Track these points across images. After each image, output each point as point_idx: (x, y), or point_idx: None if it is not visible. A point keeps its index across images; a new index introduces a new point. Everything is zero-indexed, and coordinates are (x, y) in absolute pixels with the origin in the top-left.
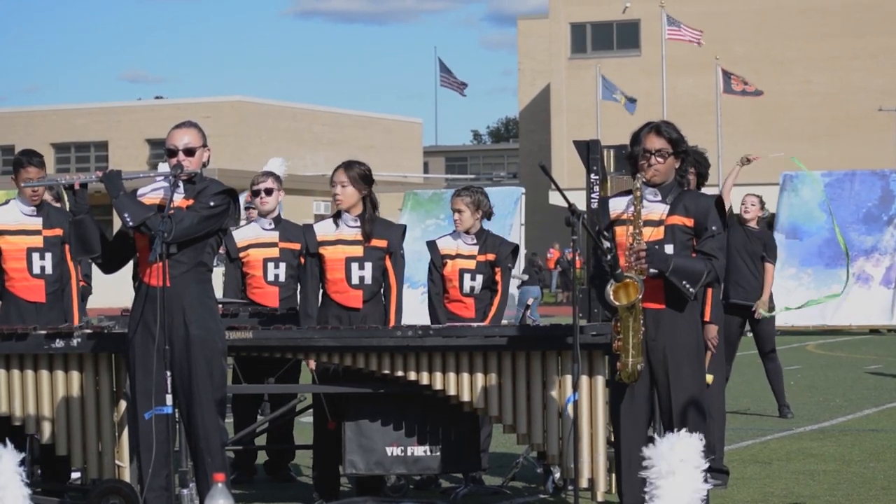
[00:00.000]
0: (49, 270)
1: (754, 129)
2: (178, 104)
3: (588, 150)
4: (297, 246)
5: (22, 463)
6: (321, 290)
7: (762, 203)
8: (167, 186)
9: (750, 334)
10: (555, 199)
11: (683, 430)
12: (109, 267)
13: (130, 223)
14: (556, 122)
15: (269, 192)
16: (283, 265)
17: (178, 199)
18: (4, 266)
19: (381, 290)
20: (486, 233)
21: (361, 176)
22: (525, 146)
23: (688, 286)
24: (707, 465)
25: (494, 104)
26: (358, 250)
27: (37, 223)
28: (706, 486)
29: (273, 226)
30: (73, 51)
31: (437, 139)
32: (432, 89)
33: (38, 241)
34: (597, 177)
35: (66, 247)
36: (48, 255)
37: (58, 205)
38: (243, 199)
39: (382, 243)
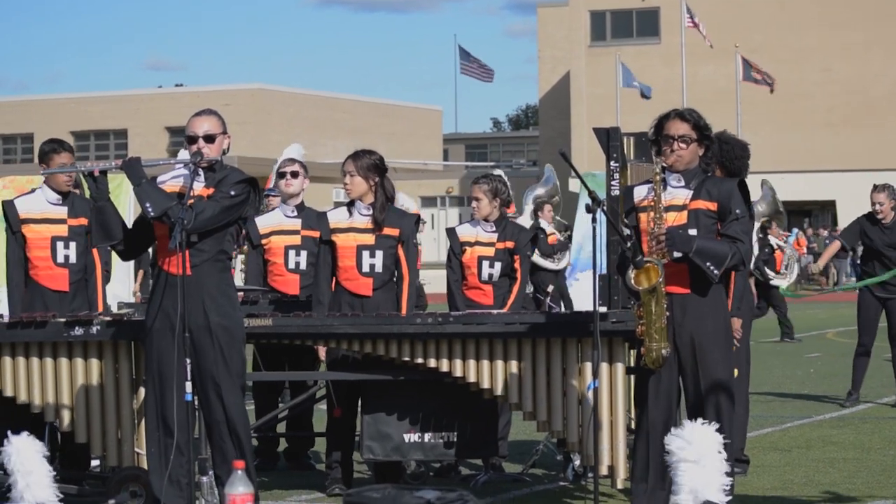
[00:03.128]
0: (73, 260)
1: (773, 117)
2: (197, 92)
3: (608, 138)
4: (318, 234)
5: (45, 451)
6: (334, 278)
7: (893, 194)
8: (187, 174)
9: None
10: (574, 186)
11: (709, 418)
12: (129, 254)
13: (152, 213)
14: (576, 109)
15: (294, 174)
16: (304, 253)
17: (199, 187)
18: (29, 254)
19: (394, 279)
20: (506, 220)
21: (370, 166)
22: (545, 134)
23: (712, 267)
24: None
25: (514, 92)
26: (369, 238)
27: (62, 212)
28: (729, 479)
29: (296, 213)
30: (96, 39)
31: (456, 127)
32: (452, 77)
33: (62, 229)
34: (617, 164)
35: (91, 237)
36: (72, 245)
37: (77, 191)
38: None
39: (394, 232)
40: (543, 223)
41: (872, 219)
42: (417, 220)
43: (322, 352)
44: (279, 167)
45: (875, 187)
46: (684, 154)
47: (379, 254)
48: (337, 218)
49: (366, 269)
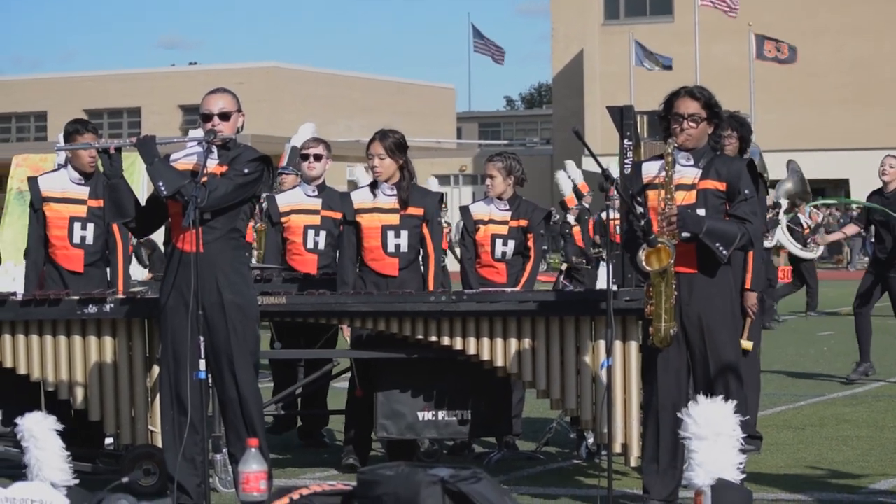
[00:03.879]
0: (89, 241)
1: (787, 95)
2: (211, 70)
3: (622, 116)
4: (338, 215)
5: (58, 428)
6: (359, 259)
7: None
8: (200, 152)
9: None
10: (588, 164)
11: (719, 396)
12: (142, 231)
13: (165, 192)
14: (590, 88)
15: (318, 157)
16: (323, 233)
17: (212, 164)
18: (48, 233)
19: (420, 258)
20: (519, 198)
21: (397, 145)
22: (558, 112)
23: (721, 248)
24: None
25: (527, 70)
26: (394, 218)
27: (83, 192)
28: (742, 457)
29: (316, 193)
30: (110, 17)
31: (470, 105)
32: (466, 55)
33: (81, 210)
34: (630, 143)
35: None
36: (90, 226)
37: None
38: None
39: (419, 211)
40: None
41: (880, 192)
42: (441, 198)
43: (347, 331)
44: (302, 148)
45: (889, 155)
46: (694, 132)
47: (404, 234)
48: (361, 198)
49: (391, 249)
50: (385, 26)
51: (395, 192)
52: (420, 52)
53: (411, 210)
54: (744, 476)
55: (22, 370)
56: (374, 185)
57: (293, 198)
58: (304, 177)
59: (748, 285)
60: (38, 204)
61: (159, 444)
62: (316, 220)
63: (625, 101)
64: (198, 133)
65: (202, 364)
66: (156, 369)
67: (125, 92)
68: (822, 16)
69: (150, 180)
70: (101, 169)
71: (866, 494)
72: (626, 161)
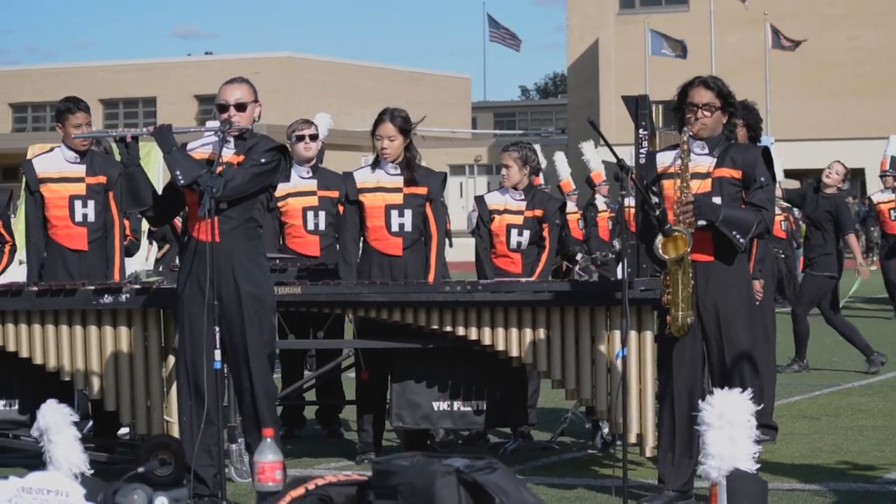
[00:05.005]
0: (91, 218)
1: (802, 85)
2: (226, 60)
3: (637, 106)
4: (335, 194)
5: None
6: (361, 238)
7: (846, 177)
8: (216, 142)
9: None
10: (603, 154)
11: (735, 385)
12: (159, 220)
13: (182, 181)
14: (605, 77)
15: (313, 137)
16: (322, 213)
17: (229, 154)
18: (47, 214)
19: (422, 238)
20: (535, 188)
21: (404, 123)
22: (573, 102)
23: (738, 236)
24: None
25: (542, 60)
26: (398, 198)
27: (80, 171)
28: (757, 447)
29: (311, 174)
30: (125, 6)
31: (485, 95)
32: (481, 45)
33: (80, 188)
34: (645, 132)
35: (111, 194)
36: (91, 203)
37: (95, 149)
38: None
39: (422, 190)
40: None
41: (817, 189)
42: (444, 178)
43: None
44: (295, 130)
45: (838, 161)
46: (708, 122)
47: (408, 213)
48: (363, 178)
49: (395, 228)
50: (401, 16)
51: (398, 171)
52: (435, 42)
53: (415, 189)
54: (759, 466)
55: (38, 360)
56: (375, 165)
57: (288, 181)
58: (299, 158)
59: (751, 271)
60: (34, 186)
61: (175, 433)
62: (314, 201)
63: (640, 90)
64: (214, 124)
65: (218, 354)
66: (171, 359)
67: (140, 82)
68: (838, 5)
69: (167, 169)
70: (119, 157)
71: (882, 484)
72: (642, 150)
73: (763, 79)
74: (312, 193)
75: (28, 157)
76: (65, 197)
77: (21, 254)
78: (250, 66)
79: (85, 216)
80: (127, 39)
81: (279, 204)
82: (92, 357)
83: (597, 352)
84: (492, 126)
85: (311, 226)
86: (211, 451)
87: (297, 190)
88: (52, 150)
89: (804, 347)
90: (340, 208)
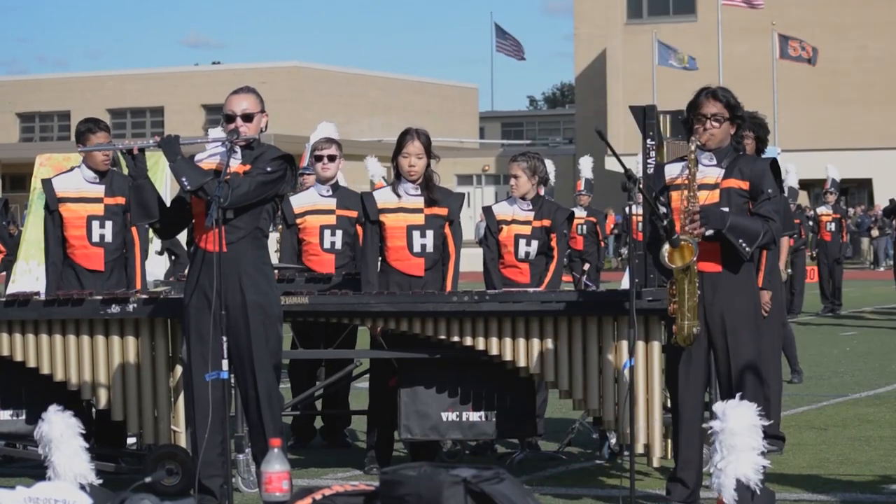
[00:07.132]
0: (109, 239)
1: (810, 94)
2: (234, 69)
3: (644, 116)
4: (354, 213)
5: (80, 427)
6: (380, 259)
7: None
8: (224, 152)
9: None
10: (611, 164)
11: (741, 396)
12: (167, 232)
13: (188, 187)
14: (613, 87)
15: (331, 158)
16: (339, 232)
17: (235, 164)
18: (66, 234)
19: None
20: (542, 199)
21: (429, 142)
22: (581, 112)
23: (744, 245)
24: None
25: (550, 70)
26: (419, 218)
27: (98, 191)
28: (765, 460)
29: (331, 192)
30: (134, 16)
31: (492, 105)
32: (488, 55)
33: (98, 209)
34: (653, 142)
35: (129, 215)
36: (108, 224)
37: (115, 169)
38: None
39: (443, 211)
40: None
41: None
42: (463, 199)
43: (377, 329)
44: (315, 149)
45: None
46: (717, 133)
47: (429, 233)
48: (384, 198)
49: (417, 249)
50: (408, 26)
51: (419, 192)
52: (443, 52)
53: (436, 210)
54: (766, 477)
55: (45, 370)
56: (396, 185)
57: (308, 199)
58: (318, 177)
59: (760, 283)
60: (53, 205)
61: (182, 443)
62: (332, 219)
63: (647, 100)
64: (217, 132)
65: (225, 364)
66: (179, 369)
67: (148, 91)
68: (846, 15)
69: (174, 177)
70: (126, 170)
71: (890, 495)
72: (649, 160)
73: (771, 88)
74: (331, 212)
75: (35, 167)
76: (82, 217)
77: (40, 269)
78: (258, 75)
79: (102, 237)
80: (135, 49)
81: (297, 221)
82: (99, 367)
83: (604, 362)
84: (499, 136)
85: (327, 244)
86: (218, 462)
87: (317, 208)
88: (72, 169)
89: (794, 356)
90: (359, 228)
